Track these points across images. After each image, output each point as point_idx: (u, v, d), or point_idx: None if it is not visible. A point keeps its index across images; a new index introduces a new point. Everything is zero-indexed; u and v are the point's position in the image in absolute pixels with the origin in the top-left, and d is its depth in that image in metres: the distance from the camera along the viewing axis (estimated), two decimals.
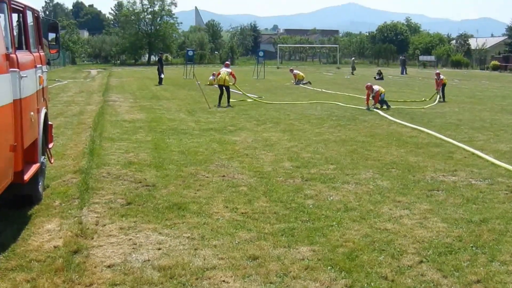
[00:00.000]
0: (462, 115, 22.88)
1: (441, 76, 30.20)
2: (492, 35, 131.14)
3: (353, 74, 61.47)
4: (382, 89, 25.34)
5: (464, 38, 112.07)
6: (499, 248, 7.39)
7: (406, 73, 66.50)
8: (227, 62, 30.13)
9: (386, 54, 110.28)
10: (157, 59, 43.58)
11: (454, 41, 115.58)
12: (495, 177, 11.49)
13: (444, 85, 29.62)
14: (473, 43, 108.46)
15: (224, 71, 26.36)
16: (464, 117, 21.98)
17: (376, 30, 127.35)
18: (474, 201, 9.71)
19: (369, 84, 26.04)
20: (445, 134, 16.94)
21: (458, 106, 26.76)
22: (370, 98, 24.98)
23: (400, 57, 79.10)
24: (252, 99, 28.22)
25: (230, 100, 25.82)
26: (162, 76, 41.36)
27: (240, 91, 28.98)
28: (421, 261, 6.95)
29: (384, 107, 24.52)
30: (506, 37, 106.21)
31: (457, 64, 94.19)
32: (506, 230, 8.12)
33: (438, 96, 29.17)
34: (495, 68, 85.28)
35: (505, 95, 35.28)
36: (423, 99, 29.74)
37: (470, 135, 17.16)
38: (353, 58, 76.45)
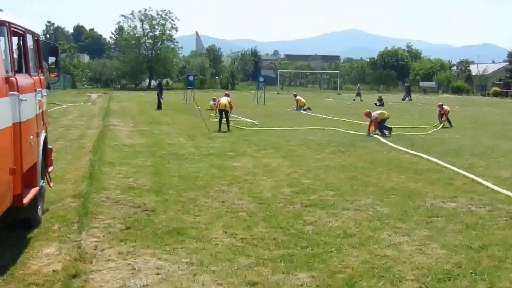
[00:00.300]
0: (463, 141, 22.93)
1: (445, 107, 30.38)
2: (493, 61, 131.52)
3: (361, 100, 61.70)
4: (385, 114, 25.29)
5: (465, 64, 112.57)
6: (498, 275, 7.41)
7: (410, 99, 66.66)
8: (226, 92, 31.43)
9: (387, 80, 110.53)
10: (157, 83, 43.67)
11: (455, 67, 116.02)
12: (495, 204, 11.51)
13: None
14: (474, 69, 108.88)
15: (224, 99, 27.00)
16: (465, 143, 22.02)
17: (377, 56, 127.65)
18: (473, 228, 9.73)
19: (367, 111, 26.13)
20: (446, 160, 16.97)
21: (458, 132, 26.82)
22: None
23: (405, 83, 79.37)
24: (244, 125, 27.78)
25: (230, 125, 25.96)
26: (161, 100, 41.50)
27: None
28: None
29: (386, 133, 24.42)
30: (507, 63, 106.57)
31: (458, 90, 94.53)
32: (506, 257, 8.13)
33: (442, 125, 29.29)
34: (496, 94, 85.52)
35: (506, 121, 35.36)
36: (425, 126, 29.82)
37: (470, 161, 17.19)
38: (358, 85, 76.81)
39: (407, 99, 66.87)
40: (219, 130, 25.08)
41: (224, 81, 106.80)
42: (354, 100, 62.64)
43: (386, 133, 24.48)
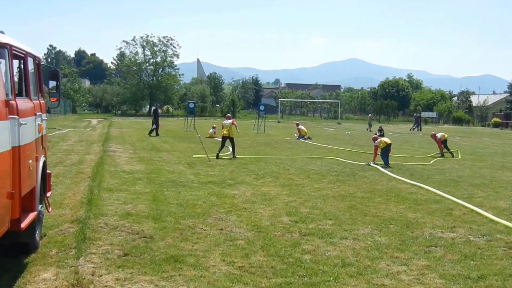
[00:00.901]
0: (462, 171, 22.96)
1: (438, 136, 30.46)
2: (493, 92, 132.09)
3: (370, 131, 61.88)
4: (386, 141, 25.05)
5: (465, 95, 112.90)
6: None
7: (420, 129, 66.77)
8: (228, 115, 30.60)
9: (388, 110, 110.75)
10: (153, 110, 43.69)
11: (455, 98, 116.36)
12: (494, 234, 11.53)
13: (445, 141, 29.85)
14: (475, 100, 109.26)
15: (227, 123, 26.99)
16: (464, 174, 22.05)
17: (378, 86, 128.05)
18: (472, 258, 9.74)
19: (375, 136, 26.19)
20: (445, 191, 16.99)
21: (458, 162, 26.86)
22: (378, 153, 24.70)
23: (415, 113, 79.46)
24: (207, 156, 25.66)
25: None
26: (154, 127, 41.52)
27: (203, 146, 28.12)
28: None
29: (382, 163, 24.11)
30: (508, 94, 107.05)
31: (458, 121, 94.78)
32: (504, 287, 8.14)
33: (440, 154, 29.40)
34: (496, 125, 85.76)
35: (505, 152, 35.44)
36: (426, 156, 29.88)
37: (469, 192, 17.22)
38: (370, 115, 77.13)
39: (416, 129, 66.93)
40: (218, 157, 25.09)
41: (225, 109, 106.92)
42: (369, 130, 62.98)
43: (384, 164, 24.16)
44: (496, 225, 12.41)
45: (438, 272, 8.87)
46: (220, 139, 28.18)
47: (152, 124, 41.86)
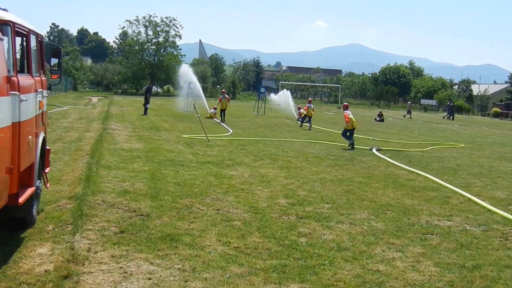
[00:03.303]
0: (461, 160, 22.94)
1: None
2: (494, 82, 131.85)
3: (410, 117, 62.19)
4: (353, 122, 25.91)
5: (466, 84, 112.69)
6: None
7: (452, 118, 66.81)
8: (223, 90, 39.40)
9: (388, 96, 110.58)
10: (145, 88, 43.57)
11: (456, 86, 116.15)
12: (490, 224, 11.52)
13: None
14: (475, 89, 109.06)
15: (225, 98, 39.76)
16: (463, 163, 22.03)
17: (378, 72, 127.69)
18: (468, 247, 9.73)
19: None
20: (443, 179, 16.98)
21: (457, 151, 26.84)
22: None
23: (448, 102, 79.31)
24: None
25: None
26: (148, 106, 41.56)
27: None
28: None
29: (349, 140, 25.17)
30: (509, 84, 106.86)
31: (458, 110, 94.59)
32: (499, 277, 8.13)
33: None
34: (496, 115, 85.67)
35: (504, 142, 35.41)
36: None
37: (467, 181, 17.20)
38: (409, 102, 77.15)
39: (449, 117, 66.75)
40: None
41: (226, 90, 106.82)
42: (410, 117, 63.35)
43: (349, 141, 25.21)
44: (493, 215, 12.39)
45: (434, 260, 8.86)
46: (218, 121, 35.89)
47: (145, 103, 41.82)
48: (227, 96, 42.29)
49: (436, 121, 61.74)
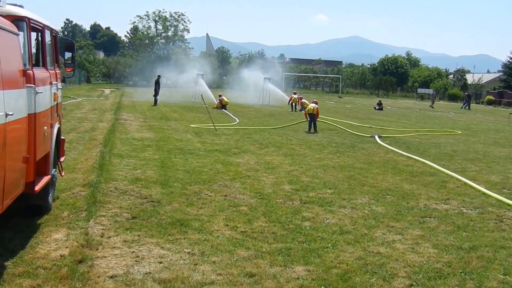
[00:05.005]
0: (457, 146, 22.85)
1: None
2: (488, 71, 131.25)
3: (432, 107, 62.27)
4: (312, 108, 26.40)
5: (461, 73, 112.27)
6: (487, 275, 7.36)
7: (469, 108, 66.49)
8: (220, 94, 41.09)
9: (386, 85, 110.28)
10: (155, 80, 43.60)
11: (451, 76, 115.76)
12: (486, 207, 11.46)
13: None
14: (470, 78, 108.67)
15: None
16: (459, 148, 21.93)
17: (377, 63, 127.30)
18: (464, 229, 9.68)
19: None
20: (440, 164, 16.90)
21: (453, 137, 26.74)
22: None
23: (466, 92, 79.03)
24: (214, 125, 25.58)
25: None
26: (158, 97, 41.56)
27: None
28: (411, 285, 6.92)
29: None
30: (502, 73, 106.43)
31: (453, 98, 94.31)
32: (494, 258, 8.08)
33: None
34: (490, 102, 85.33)
35: (498, 128, 35.27)
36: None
37: (463, 166, 17.12)
38: (433, 92, 77.08)
39: (466, 107, 66.47)
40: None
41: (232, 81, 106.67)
42: (432, 107, 63.92)
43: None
44: (488, 198, 12.33)
45: (432, 242, 8.81)
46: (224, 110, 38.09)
47: (155, 94, 41.83)
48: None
49: (433, 109, 61.61)
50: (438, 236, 9.17)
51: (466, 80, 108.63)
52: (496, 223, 10.25)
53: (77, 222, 8.84)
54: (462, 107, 66.94)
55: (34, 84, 7.94)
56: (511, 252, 8.44)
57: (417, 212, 10.82)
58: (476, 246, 8.67)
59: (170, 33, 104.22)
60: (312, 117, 26.01)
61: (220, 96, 42.19)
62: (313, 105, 26.52)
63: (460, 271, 7.48)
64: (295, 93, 45.75)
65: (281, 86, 67.87)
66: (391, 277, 7.13)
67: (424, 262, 7.77)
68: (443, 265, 7.68)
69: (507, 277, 7.37)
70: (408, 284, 6.94)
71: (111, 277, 6.69)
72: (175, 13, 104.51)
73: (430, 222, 10.07)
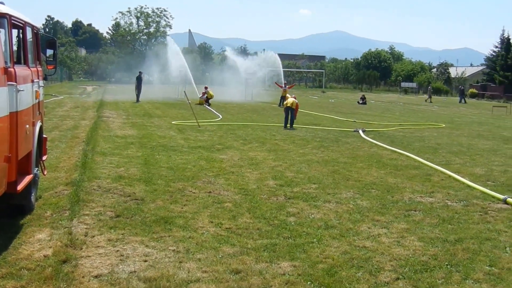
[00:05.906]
0: (441, 139, 22.96)
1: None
2: (471, 65, 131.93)
3: (430, 102, 62.83)
4: (290, 102, 25.88)
5: (444, 67, 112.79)
6: (472, 267, 7.40)
7: (465, 101, 66.75)
8: (205, 86, 41.31)
9: (370, 80, 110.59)
10: (136, 77, 43.61)
11: (435, 70, 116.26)
12: (470, 199, 11.52)
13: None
14: (453, 72, 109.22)
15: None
16: (442, 141, 22.05)
17: (361, 57, 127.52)
18: (449, 222, 9.73)
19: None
20: (424, 157, 16.97)
21: (437, 131, 26.88)
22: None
23: (460, 87, 79.34)
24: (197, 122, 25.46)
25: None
26: (139, 94, 41.70)
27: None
28: (398, 278, 6.94)
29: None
30: (485, 66, 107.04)
31: (437, 91, 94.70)
32: (480, 250, 8.13)
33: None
34: (473, 95, 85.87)
35: (481, 121, 35.49)
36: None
37: (447, 159, 17.20)
38: (429, 87, 77.39)
39: (463, 102, 66.66)
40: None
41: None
42: (426, 101, 64.47)
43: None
44: (472, 191, 12.40)
45: (417, 235, 8.84)
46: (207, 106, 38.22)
47: (136, 90, 41.90)
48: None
49: (417, 102, 61.89)
50: (424, 229, 9.21)
51: (450, 73, 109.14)
52: (481, 215, 10.31)
53: (60, 222, 8.77)
54: (460, 102, 67.23)
55: (16, 82, 7.85)
56: (496, 244, 8.50)
57: (402, 205, 10.86)
58: (462, 238, 8.71)
59: (152, 29, 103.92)
60: (291, 111, 25.56)
61: (206, 88, 42.17)
62: (292, 99, 26.09)
63: (446, 263, 7.51)
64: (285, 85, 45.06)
65: (264, 81, 67.89)
66: (377, 271, 7.15)
67: (410, 255, 7.79)
68: (429, 258, 7.71)
69: (493, 268, 7.42)
70: (394, 277, 6.96)
71: (96, 276, 6.65)
72: (157, 9, 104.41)
73: (415, 216, 10.11)
